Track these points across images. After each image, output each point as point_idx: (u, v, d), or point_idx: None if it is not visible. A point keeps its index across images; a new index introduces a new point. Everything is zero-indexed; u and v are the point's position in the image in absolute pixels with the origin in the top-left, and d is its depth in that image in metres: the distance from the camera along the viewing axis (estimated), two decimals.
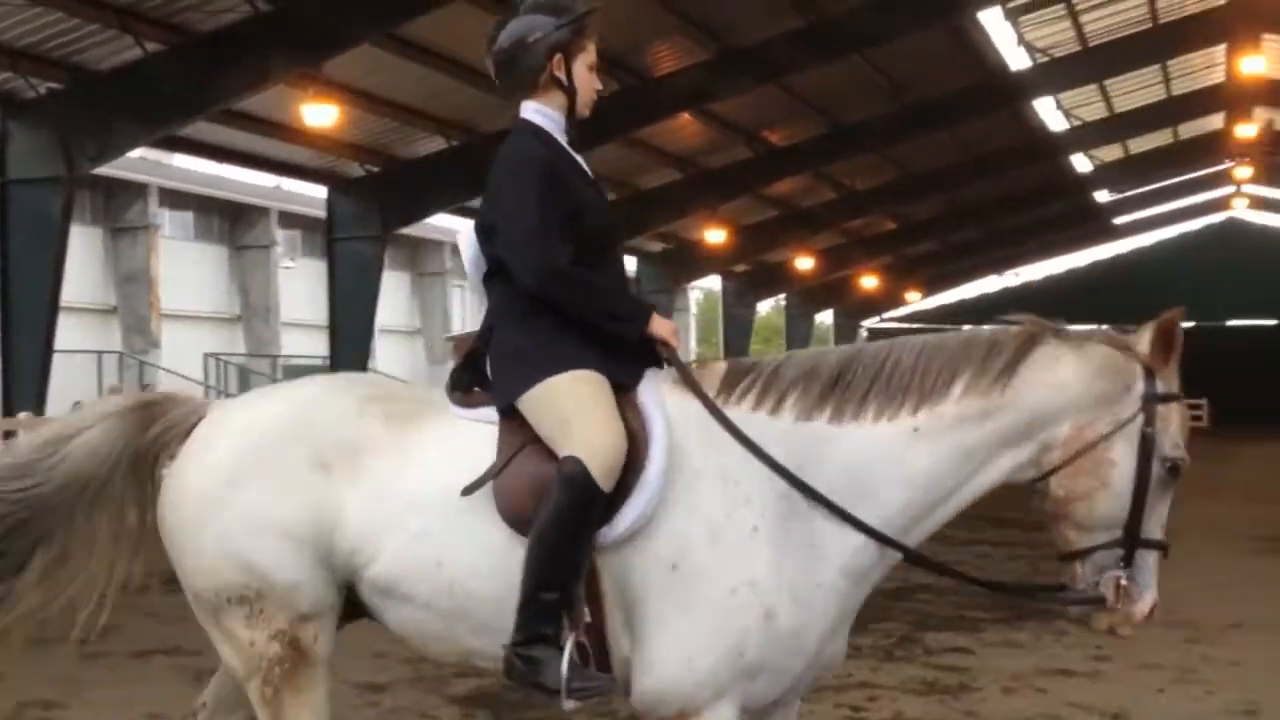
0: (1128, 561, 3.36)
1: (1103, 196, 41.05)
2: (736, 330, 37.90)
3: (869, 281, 40.61)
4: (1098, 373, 3.38)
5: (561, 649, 3.20)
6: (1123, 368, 3.39)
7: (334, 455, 3.46)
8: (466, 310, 46.14)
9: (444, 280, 45.53)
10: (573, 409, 3.33)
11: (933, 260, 43.63)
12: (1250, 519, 14.26)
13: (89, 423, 3.67)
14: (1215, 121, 33.46)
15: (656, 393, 3.47)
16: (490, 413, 3.50)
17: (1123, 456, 3.34)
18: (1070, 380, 3.37)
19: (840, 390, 3.41)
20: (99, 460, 3.60)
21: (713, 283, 42.66)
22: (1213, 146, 35.40)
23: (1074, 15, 24.31)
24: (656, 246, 32.76)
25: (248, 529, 3.43)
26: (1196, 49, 27.46)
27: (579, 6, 3.56)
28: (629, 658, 3.31)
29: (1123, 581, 3.35)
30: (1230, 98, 30.37)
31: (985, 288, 49.41)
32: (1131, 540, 3.35)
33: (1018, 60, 25.43)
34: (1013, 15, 23.75)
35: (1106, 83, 28.71)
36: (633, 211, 26.25)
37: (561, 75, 3.54)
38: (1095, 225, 44.62)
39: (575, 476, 3.22)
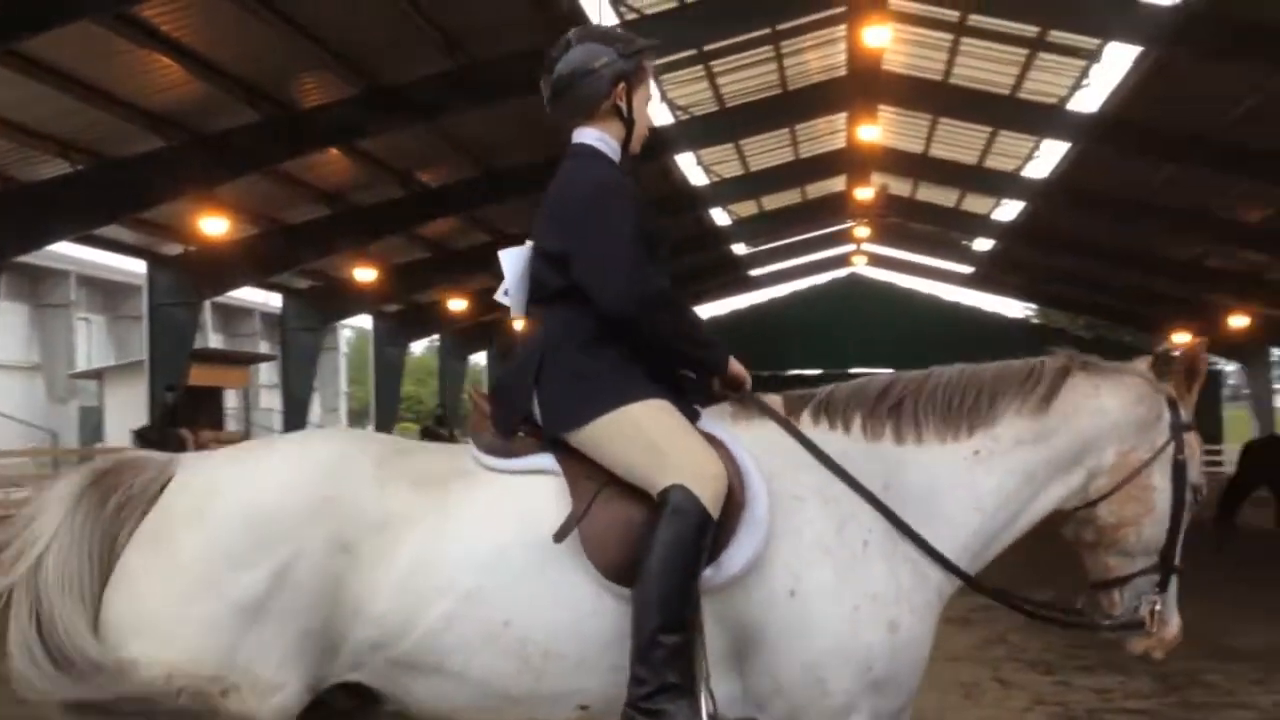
0: (1163, 587, 3.44)
1: (740, 249, 43.45)
2: (388, 371, 37.41)
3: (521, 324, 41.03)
4: (1137, 400, 3.49)
5: (689, 695, 3.01)
6: (1153, 396, 3.51)
7: (359, 533, 3.12)
8: (93, 344, 43.17)
9: (68, 312, 42.44)
10: (662, 436, 3.19)
11: None
12: None
13: (49, 526, 3.19)
14: (838, 184, 36.17)
15: (724, 426, 3.38)
16: (539, 460, 3.29)
17: (1161, 483, 3.43)
18: (1113, 407, 3.46)
19: (896, 412, 3.39)
20: (72, 556, 3.14)
21: (364, 322, 41.93)
22: (836, 206, 38.28)
23: (711, 77, 25.71)
24: (304, 283, 31.93)
25: (249, 620, 3.04)
26: (821, 115, 29.68)
27: (639, 40, 3.52)
28: (738, 694, 3.18)
29: (1157, 607, 3.43)
30: (850, 162, 32.97)
31: None
32: (1167, 566, 3.45)
33: (662, 116, 26.62)
34: (656, 73, 24.84)
35: (742, 142, 30.53)
36: (278, 247, 25.47)
37: (623, 105, 3.50)
38: (734, 276, 47.15)
39: (686, 506, 3.07)
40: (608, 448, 3.21)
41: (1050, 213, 34.48)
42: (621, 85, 3.49)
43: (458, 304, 35.56)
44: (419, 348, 51.42)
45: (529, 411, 3.34)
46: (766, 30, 23.59)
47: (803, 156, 33.41)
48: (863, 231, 41.33)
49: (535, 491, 3.21)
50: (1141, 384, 3.53)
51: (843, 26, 24.27)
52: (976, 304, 50.68)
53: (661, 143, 27.14)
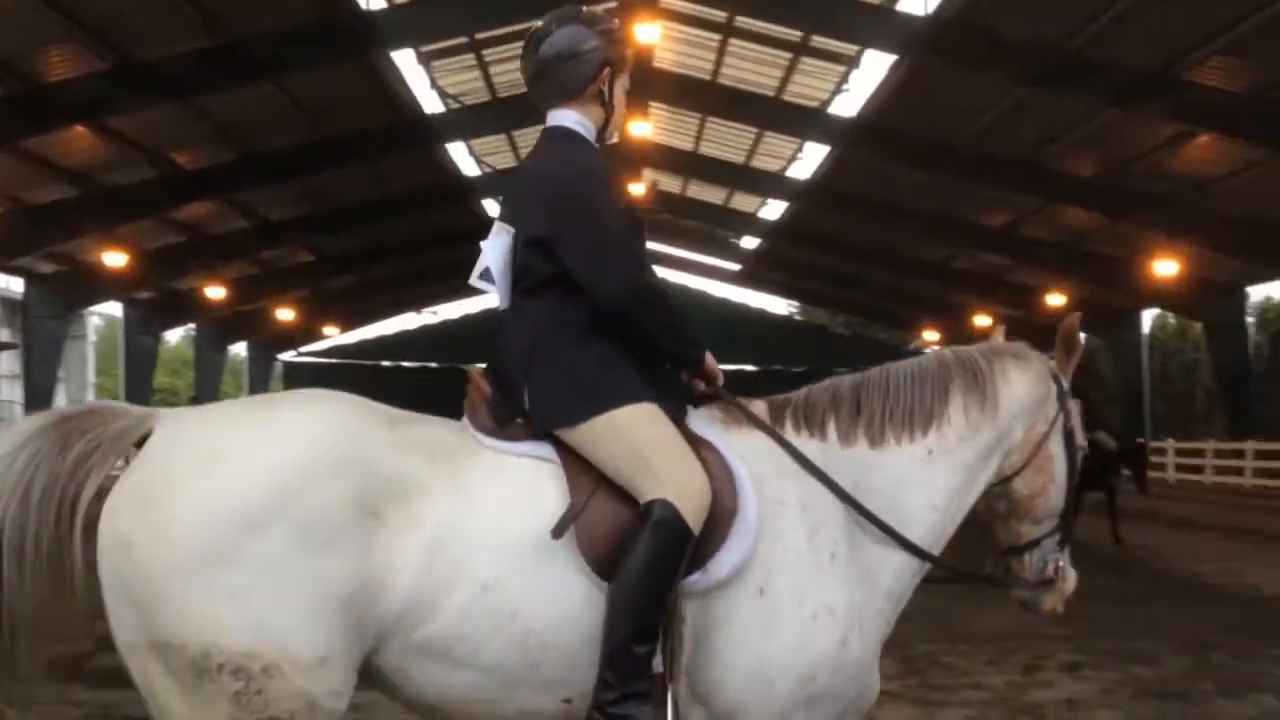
0: (1064, 545, 3.66)
1: None
2: (140, 360, 35.65)
3: (285, 314, 39.83)
4: (1036, 379, 3.63)
5: (651, 702, 3.00)
6: (1045, 373, 3.65)
7: (384, 499, 2.94)
8: None
9: None
10: (649, 447, 3.14)
11: (351, 295, 43.68)
12: None
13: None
14: None
15: (715, 430, 3.36)
16: (538, 447, 3.20)
17: (1057, 450, 3.62)
18: (1021, 391, 3.58)
19: (865, 416, 3.44)
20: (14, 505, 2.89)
21: (114, 309, 39.84)
22: None
23: (484, 66, 25.49)
24: (48, 267, 30.07)
25: (274, 586, 2.79)
26: None
27: (616, 26, 3.49)
28: (689, 687, 3.13)
29: (1060, 563, 3.64)
30: (622, 158, 33.23)
31: (405, 325, 50.16)
32: (1066, 526, 3.66)
33: (431, 103, 26.22)
34: (425, 59, 24.46)
35: (515, 133, 30.40)
36: (20, 228, 23.90)
37: (606, 91, 3.45)
38: None
39: (669, 521, 3.03)
40: (597, 450, 3.18)
41: (812, 213, 35.66)
42: (606, 71, 3.45)
43: (216, 292, 34.20)
44: (174, 337, 49.28)
45: (523, 402, 3.26)
46: (537, 22, 23.50)
47: None
48: None
49: (539, 479, 3.15)
50: (1037, 364, 3.68)
51: (614, 22, 24.42)
52: (744, 300, 51.97)
53: (431, 131, 26.76)
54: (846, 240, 38.00)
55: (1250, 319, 33.76)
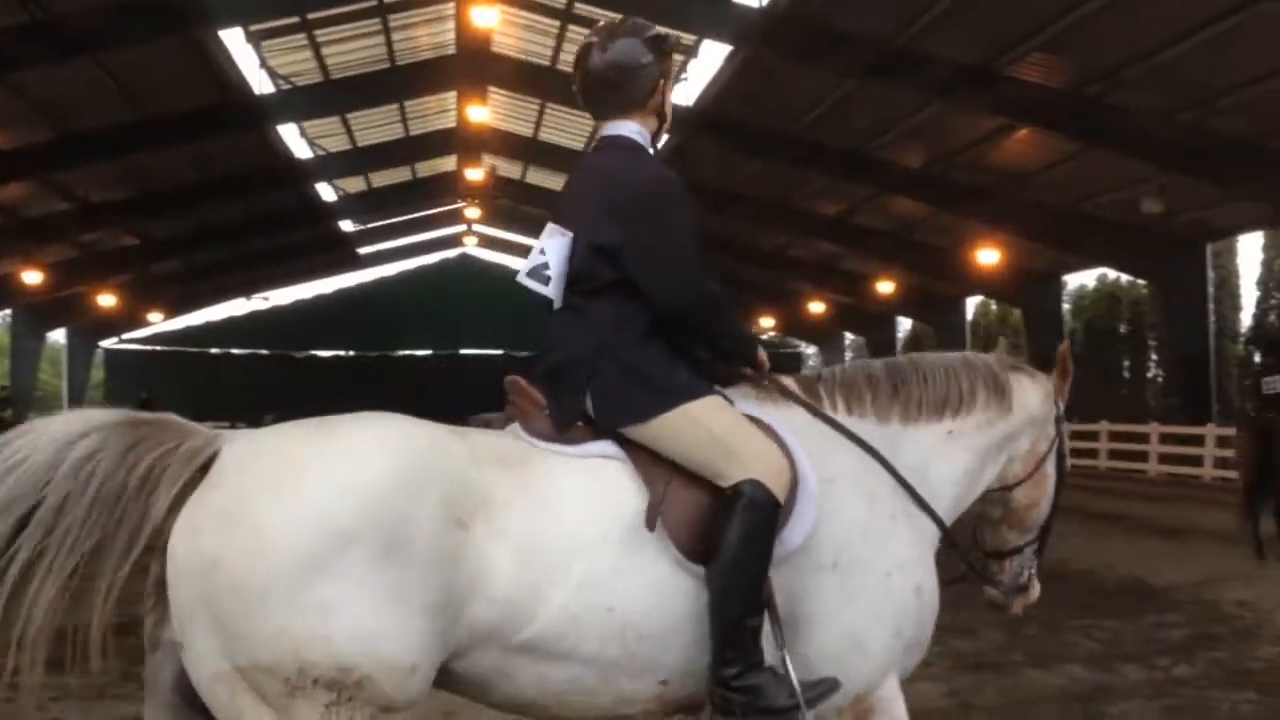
0: (1040, 555, 3.98)
1: (348, 226, 42.45)
2: None
3: (107, 300, 38.30)
4: (1045, 397, 3.91)
5: (770, 669, 3.17)
6: (1050, 394, 3.94)
7: (468, 509, 2.99)
8: None
9: None
10: (727, 434, 3.29)
11: (177, 280, 42.22)
12: None
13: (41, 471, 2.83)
14: (449, 163, 36.08)
15: (762, 409, 3.51)
16: (604, 447, 3.30)
17: (1051, 469, 3.92)
18: (1033, 403, 3.87)
19: (901, 397, 3.68)
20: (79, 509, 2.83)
21: None
22: (446, 186, 38.17)
23: (315, 46, 24.91)
24: None
25: (367, 598, 2.80)
26: (430, 93, 29.44)
27: (670, 39, 3.57)
28: (789, 659, 3.24)
29: (1032, 571, 3.97)
30: (461, 142, 32.95)
31: (233, 310, 48.79)
32: (1045, 538, 3.97)
33: (261, 84, 25.51)
34: (254, 39, 23.78)
35: (349, 116, 29.79)
36: None
37: (660, 102, 3.58)
38: (341, 254, 45.97)
39: (761, 500, 3.19)
40: (672, 443, 3.28)
41: None
42: (661, 83, 3.57)
43: (32, 276, 32.65)
44: None
45: (585, 403, 3.33)
46: (373, 2, 23.11)
47: (413, 134, 33.05)
48: (473, 212, 41.47)
49: (610, 477, 3.24)
50: (1046, 383, 3.97)
51: (451, 4, 24.16)
52: None
53: (260, 112, 26.04)
54: None
55: (1066, 306, 35.29)
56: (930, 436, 3.67)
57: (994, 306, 39.12)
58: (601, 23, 3.63)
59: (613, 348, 3.35)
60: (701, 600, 3.17)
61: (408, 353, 47.73)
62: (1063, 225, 28.46)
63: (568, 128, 32.11)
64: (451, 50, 26.80)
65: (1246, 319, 28.46)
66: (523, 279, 3.52)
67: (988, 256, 30.77)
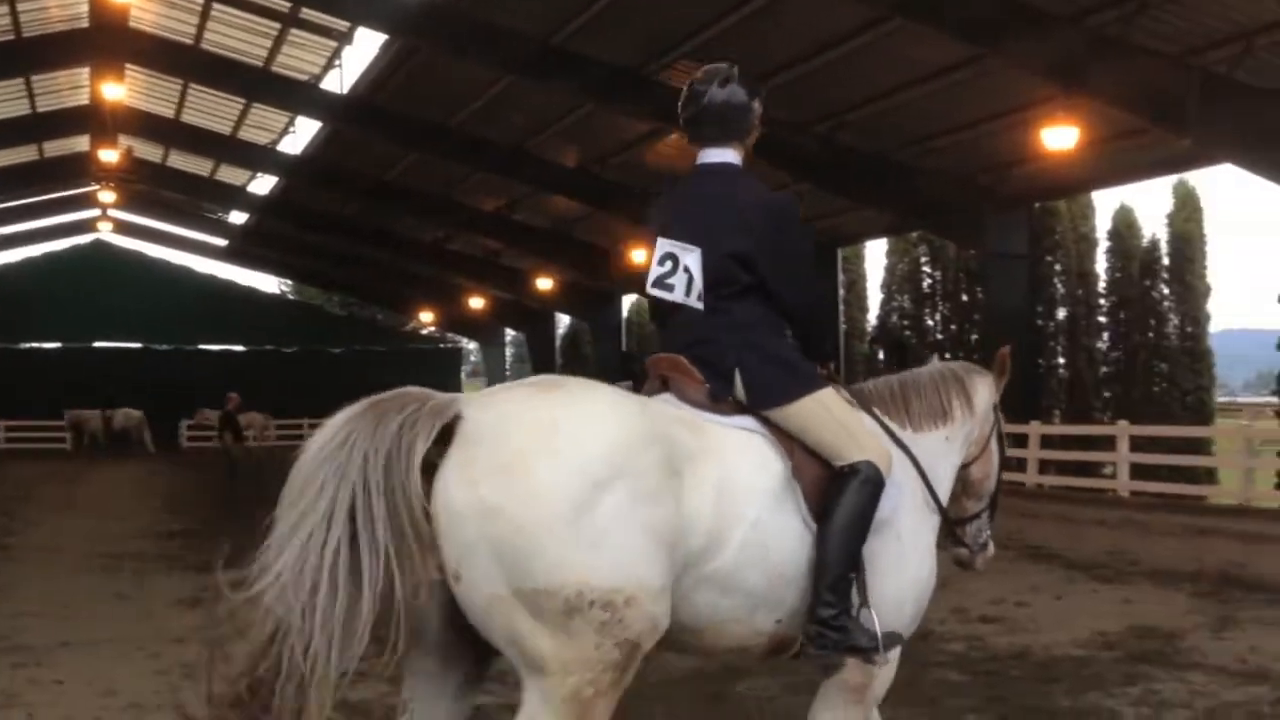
0: (992, 519, 4.73)
1: None
2: None
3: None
4: (990, 391, 4.67)
5: (857, 615, 3.76)
6: (992, 388, 4.70)
7: (680, 461, 3.53)
8: None
9: None
10: (849, 421, 3.94)
11: None
12: (91, 536, 14.41)
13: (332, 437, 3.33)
14: (81, 143, 33.68)
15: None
16: (748, 421, 3.84)
17: (994, 447, 4.70)
18: (983, 398, 4.62)
19: (914, 409, 4.37)
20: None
21: None
22: (78, 167, 35.57)
23: None
24: None
25: (624, 532, 3.33)
26: (61, 68, 27.38)
27: (764, 90, 4.19)
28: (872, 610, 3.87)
29: (987, 533, 4.70)
30: (94, 121, 30.78)
31: None
32: (994, 504, 4.73)
33: None
34: None
35: None
36: None
37: (753, 140, 4.16)
38: None
39: (875, 478, 3.81)
40: (805, 422, 3.86)
41: (305, 189, 34.85)
42: (756, 123, 4.15)
43: None
44: None
45: (733, 385, 3.87)
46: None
47: (40, 110, 30.63)
48: (108, 196, 38.83)
49: (759, 444, 3.81)
50: (990, 380, 4.71)
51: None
52: (232, 278, 49.86)
53: None
54: (341, 218, 37.48)
55: None
56: (934, 442, 4.37)
57: (648, 305, 40.30)
58: (711, 65, 4.20)
59: (755, 342, 3.93)
60: (812, 553, 3.75)
61: (35, 345, 44.20)
62: None
63: (214, 110, 30.67)
64: (85, 23, 25.01)
65: (873, 320, 30.63)
66: (651, 290, 4.04)
67: (640, 256, 31.67)
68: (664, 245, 3.95)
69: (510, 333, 53.62)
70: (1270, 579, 9.47)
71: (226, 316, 44.30)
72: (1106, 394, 23.90)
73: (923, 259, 28.74)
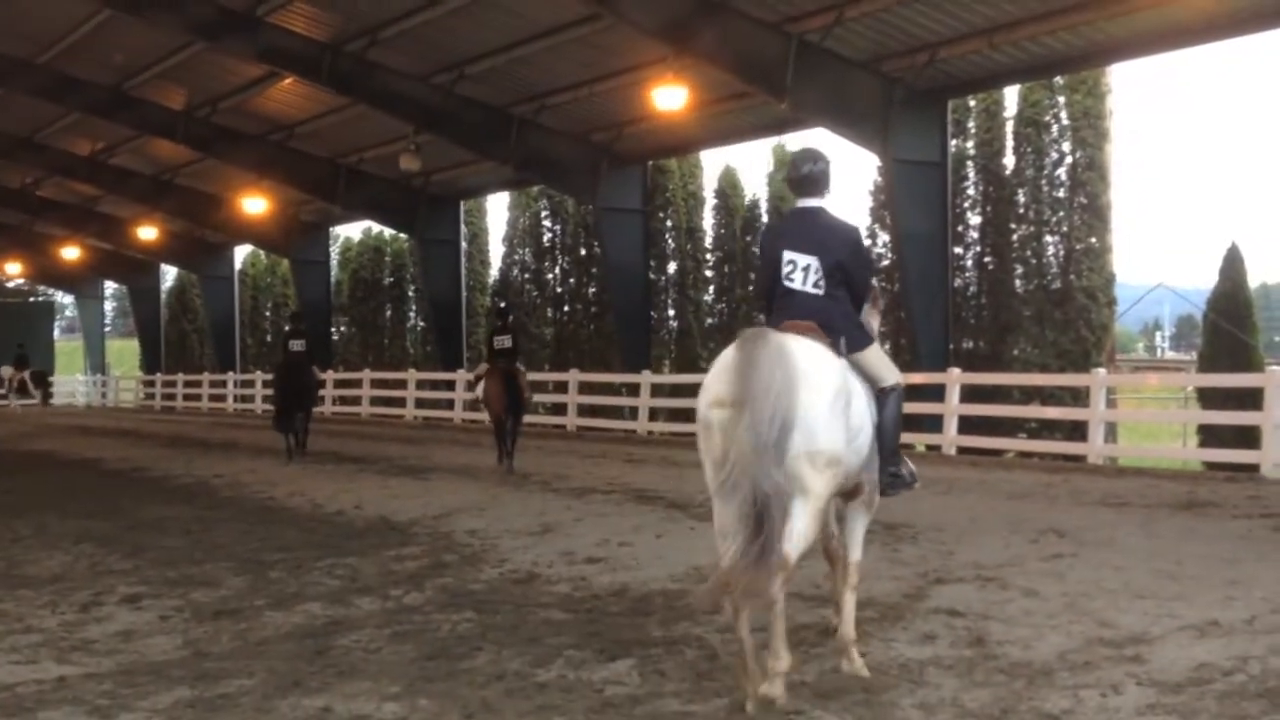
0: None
1: None
2: None
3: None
4: (878, 317, 6.77)
5: (907, 465, 6.14)
6: (878, 314, 6.78)
7: (850, 383, 5.67)
8: None
9: None
10: (886, 360, 6.21)
11: None
12: None
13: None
14: None
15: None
16: (845, 360, 5.79)
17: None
18: (874, 324, 6.65)
19: (851, 337, 6.01)
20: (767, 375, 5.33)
21: None
22: None
23: None
24: None
25: (843, 425, 5.46)
26: None
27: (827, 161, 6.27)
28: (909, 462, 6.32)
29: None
30: None
31: None
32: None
33: None
34: None
35: None
36: None
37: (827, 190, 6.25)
38: None
39: (902, 392, 6.15)
40: (870, 361, 5.95)
41: None
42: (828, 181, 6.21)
43: None
44: None
45: (840, 342, 5.82)
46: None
47: None
48: None
49: (856, 375, 5.80)
50: (877, 311, 6.50)
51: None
52: None
53: None
54: None
55: (334, 257, 36.00)
56: (875, 354, 6.09)
57: (263, 256, 38.79)
58: (806, 149, 6.28)
59: (849, 314, 5.99)
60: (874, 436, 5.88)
61: None
62: (329, 177, 28.95)
63: None
64: None
65: (495, 274, 30.83)
66: (784, 283, 5.92)
67: (254, 205, 30.45)
68: (788, 254, 5.95)
69: (111, 285, 50.18)
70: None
71: None
72: (711, 345, 25.20)
73: (543, 213, 29.17)
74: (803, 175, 6.10)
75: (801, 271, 5.91)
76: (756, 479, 4.99)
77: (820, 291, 5.87)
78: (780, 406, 5.09)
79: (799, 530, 5.19)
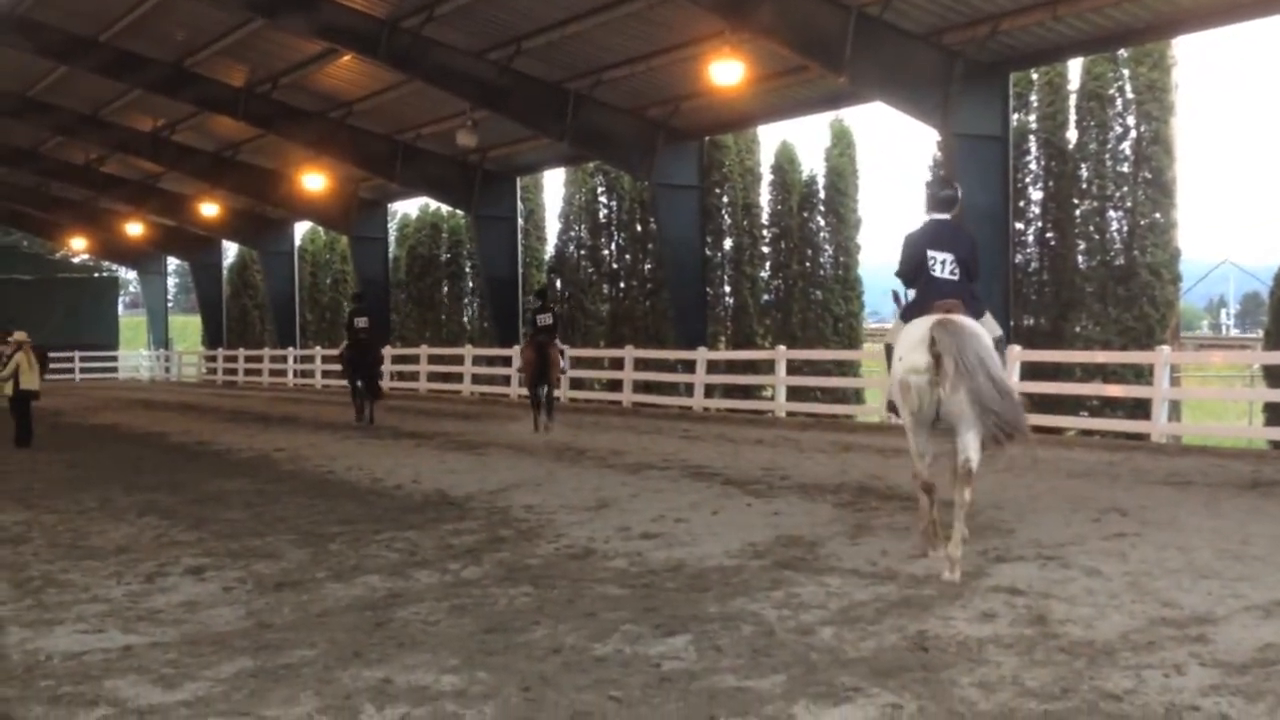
0: None
1: None
2: None
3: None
4: None
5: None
6: None
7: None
8: None
9: None
10: (993, 320, 8.22)
11: None
12: None
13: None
14: None
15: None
16: (976, 323, 7.70)
17: None
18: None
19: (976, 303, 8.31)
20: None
21: None
22: None
23: None
24: None
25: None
26: None
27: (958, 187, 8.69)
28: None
29: None
30: None
31: None
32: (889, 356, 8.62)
33: None
34: None
35: None
36: None
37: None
38: None
39: (1004, 339, 8.39)
40: (986, 321, 7.88)
41: None
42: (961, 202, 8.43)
43: None
44: None
45: (971, 311, 7.82)
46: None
47: None
48: None
49: (985, 331, 7.69)
50: None
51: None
52: None
53: None
54: None
55: (392, 233, 36.17)
56: (988, 317, 8.13)
57: (322, 233, 39.10)
58: (942, 178, 8.84)
59: (974, 292, 8.02)
60: None
61: None
62: (387, 154, 29.09)
63: None
64: None
65: (551, 250, 30.83)
66: (933, 273, 7.99)
67: (314, 182, 30.69)
68: (931, 252, 8.02)
69: (173, 261, 50.84)
70: (903, 488, 10.27)
71: None
72: (767, 321, 25.09)
73: (599, 189, 29.13)
74: (942, 197, 8.35)
75: (941, 264, 8.11)
76: (976, 384, 7.15)
77: (955, 278, 8.08)
78: (976, 345, 7.27)
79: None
